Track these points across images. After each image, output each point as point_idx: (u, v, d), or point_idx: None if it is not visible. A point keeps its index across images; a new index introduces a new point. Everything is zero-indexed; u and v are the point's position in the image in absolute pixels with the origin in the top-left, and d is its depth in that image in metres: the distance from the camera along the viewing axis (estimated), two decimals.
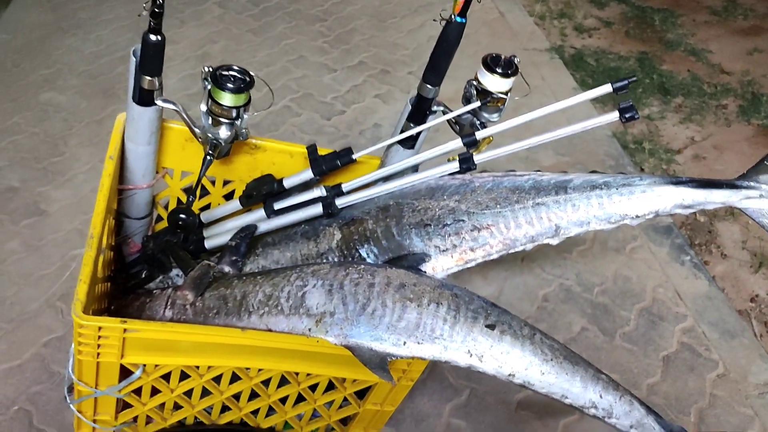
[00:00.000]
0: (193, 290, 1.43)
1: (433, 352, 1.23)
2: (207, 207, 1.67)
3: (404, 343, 1.23)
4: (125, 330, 1.16)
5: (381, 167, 1.55)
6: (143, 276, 1.59)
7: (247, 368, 1.31)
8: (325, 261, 1.47)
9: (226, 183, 1.61)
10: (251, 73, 1.36)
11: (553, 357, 1.25)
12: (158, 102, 1.37)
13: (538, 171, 1.38)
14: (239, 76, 1.34)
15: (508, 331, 1.25)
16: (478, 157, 1.40)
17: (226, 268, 1.53)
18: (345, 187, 1.51)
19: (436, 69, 1.40)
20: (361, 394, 1.47)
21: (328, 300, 1.28)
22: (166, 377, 1.31)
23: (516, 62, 1.41)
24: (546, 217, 1.30)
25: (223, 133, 1.38)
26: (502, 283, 2.50)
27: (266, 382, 1.37)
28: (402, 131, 1.49)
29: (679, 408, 2.19)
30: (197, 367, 1.29)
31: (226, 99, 1.34)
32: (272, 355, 1.28)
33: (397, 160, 1.53)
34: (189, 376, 1.31)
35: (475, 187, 1.37)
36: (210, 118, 1.37)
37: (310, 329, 1.26)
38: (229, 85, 1.33)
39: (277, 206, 1.53)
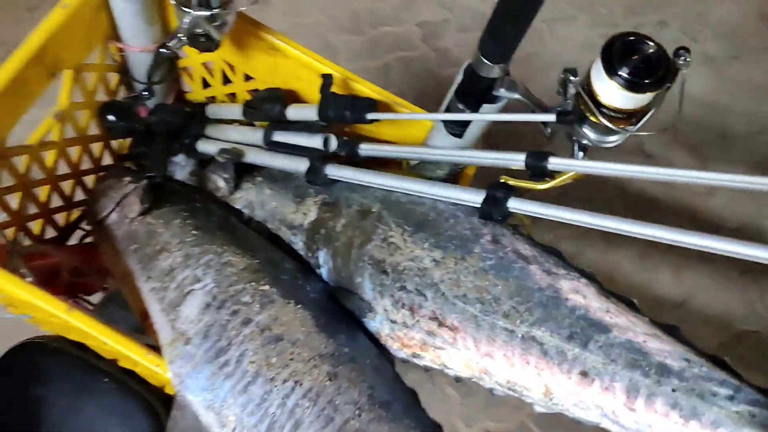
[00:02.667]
0: (140, 204, 1.12)
1: None
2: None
3: (234, 428, 0.81)
4: None
5: (423, 144, 1.03)
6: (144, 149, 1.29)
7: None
8: (292, 239, 1.04)
9: (248, 78, 1.19)
10: None
11: None
12: None
13: (588, 277, 0.75)
14: None
15: None
16: (515, 205, 0.82)
17: (220, 182, 1.19)
18: (363, 150, 1.02)
19: (497, 34, 0.79)
20: None
21: (197, 319, 0.88)
22: None
23: (679, 63, 0.74)
24: (535, 365, 0.71)
25: (187, 17, 0.95)
26: (695, 288, 1.73)
27: None
28: (448, 109, 0.92)
29: None
30: None
31: None
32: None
33: (438, 144, 0.98)
34: None
35: (470, 252, 0.80)
36: None
37: (165, 345, 0.89)
38: None
39: (277, 137, 1.10)
